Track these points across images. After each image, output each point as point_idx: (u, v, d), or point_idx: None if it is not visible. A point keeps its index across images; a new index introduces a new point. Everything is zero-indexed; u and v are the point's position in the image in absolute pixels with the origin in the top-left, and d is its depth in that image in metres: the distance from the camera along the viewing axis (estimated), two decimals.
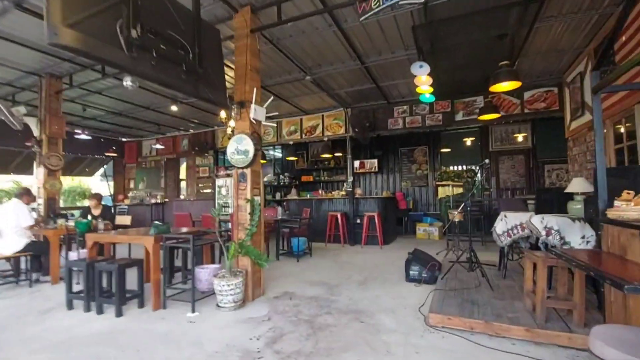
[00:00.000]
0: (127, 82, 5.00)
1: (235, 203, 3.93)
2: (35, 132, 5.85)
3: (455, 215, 5.76)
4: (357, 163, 10.37)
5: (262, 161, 10.42)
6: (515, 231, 4.06)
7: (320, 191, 8.89)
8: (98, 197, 5.78)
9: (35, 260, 4.78)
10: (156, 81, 3.01)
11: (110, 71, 5.44)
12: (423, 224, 8.66)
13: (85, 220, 4.94)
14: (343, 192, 8.21)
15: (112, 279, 3.71)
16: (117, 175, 11.43)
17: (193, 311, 3.43)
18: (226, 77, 4.09)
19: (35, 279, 4.73)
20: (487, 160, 5.17)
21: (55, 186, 5.92)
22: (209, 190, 9.90)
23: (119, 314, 3.39)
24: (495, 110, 6.28)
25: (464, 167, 9.39)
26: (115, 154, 10.29)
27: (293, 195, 9.98)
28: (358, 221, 7.71)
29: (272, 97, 4.20)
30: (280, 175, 11.80)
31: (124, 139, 11.23)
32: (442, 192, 6.33)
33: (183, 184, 10.80)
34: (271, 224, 6.39)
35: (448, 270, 4.35)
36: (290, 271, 5.26)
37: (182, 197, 10.51)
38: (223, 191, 9.58)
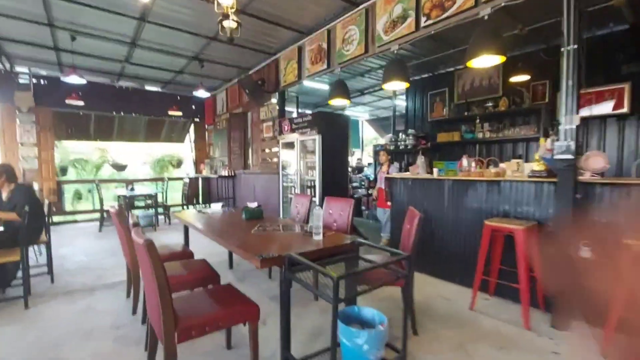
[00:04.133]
0: None
1: None
2: None
3: None
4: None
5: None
6: None
7: (465, 161, 3.59)
8: (6, 169, 3.29)
9: None
10: None
11: None
12: None
13: None
14: (538, 166, 2.79)
15: None
16: (198, 140, 9.28)
17: None
18: None
19: None
20: None
21: None
22: (275, 159, 6.19)
23: None
24: None
25: None
26: (179, 113, 7.88)
27: (419, 166, 5.03)
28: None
29: None
30: (401, 134, 6.89)
31: (205, 97, 8.81)
32: None
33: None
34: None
35: None
36: None
37: (250, 168, 7.25)
38: (290, 162, 5.54)
